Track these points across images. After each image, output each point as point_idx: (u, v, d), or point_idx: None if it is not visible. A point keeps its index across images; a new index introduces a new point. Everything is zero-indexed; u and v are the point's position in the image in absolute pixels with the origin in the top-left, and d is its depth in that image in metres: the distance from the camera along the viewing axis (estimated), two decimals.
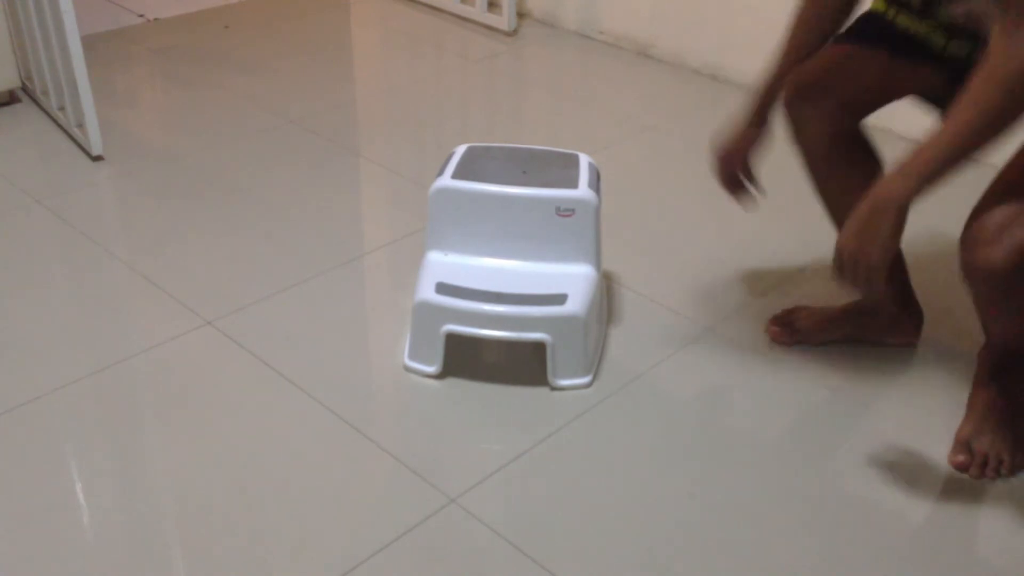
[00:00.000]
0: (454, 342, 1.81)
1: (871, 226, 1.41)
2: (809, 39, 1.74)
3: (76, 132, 2.60)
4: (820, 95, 1.69)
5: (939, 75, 1.64)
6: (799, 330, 1.92)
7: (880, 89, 1.71)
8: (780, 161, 1.93)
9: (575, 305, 1.77)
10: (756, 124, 1.80)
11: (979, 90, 1.34)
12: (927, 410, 1.78)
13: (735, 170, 1.84)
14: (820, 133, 1.71)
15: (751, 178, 1.85)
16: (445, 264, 1.86)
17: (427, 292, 1.79)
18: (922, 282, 1.92)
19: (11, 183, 2.46)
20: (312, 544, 1.51)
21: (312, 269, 2.15)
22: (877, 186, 1.42)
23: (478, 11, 3.45)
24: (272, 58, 3.23)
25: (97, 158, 2.55)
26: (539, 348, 1.79)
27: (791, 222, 2.00)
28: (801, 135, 1.73)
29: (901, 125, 2.31)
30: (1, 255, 2.18)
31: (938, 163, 1.37)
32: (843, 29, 1.73)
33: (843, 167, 1.74)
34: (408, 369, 1.85)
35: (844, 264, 1.46)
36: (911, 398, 1.82)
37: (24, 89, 2.86)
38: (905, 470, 1.65)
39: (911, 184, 1.38)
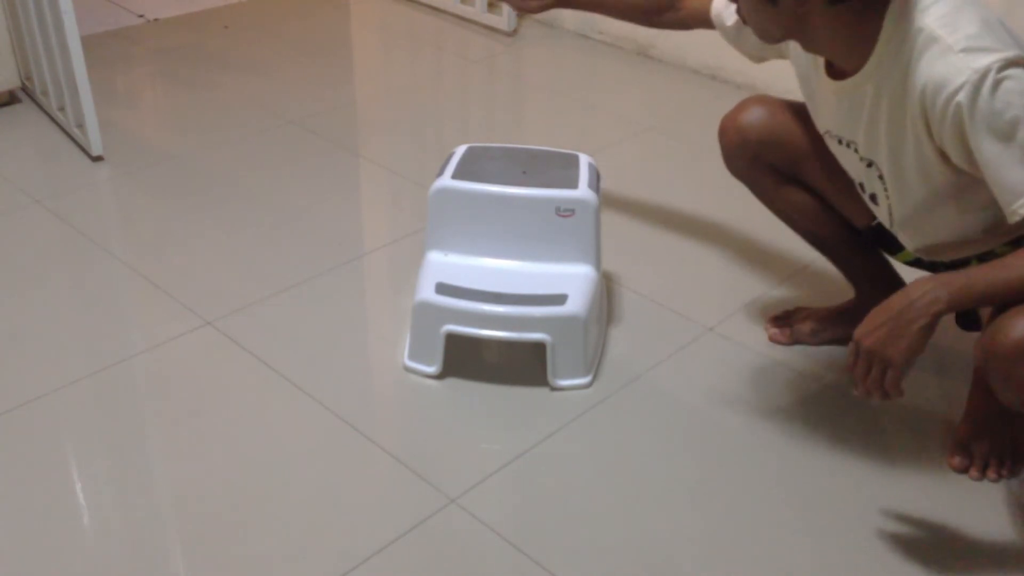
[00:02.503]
0: (454, 342, 1.81)
1: (901, 324, 1.31)
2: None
3: (76, 132, 2.60)
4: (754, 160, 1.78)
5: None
6: (798, 330, 1.92)
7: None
8: None
9: (575, 305, 1.77)
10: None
11: None
12: (925, 409, 1.78)
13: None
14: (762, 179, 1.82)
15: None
16: (445, 264, 1.86)
17: (427, 292, 1.80)
18: None
19: (11, 183, 2.46)
20: (312, 544, 1.51)
21: (312, 269, 2.15)
22: (917, 285, 1.33)
23: (478, 11, 3.45)
24: (272, 58, 3.23)
25: (97, 158, 2.55)
26: (539, 348, 1.79)
27: None
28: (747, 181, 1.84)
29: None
30: (1, 255, 2.19)
31: (991, 294, 1.31)
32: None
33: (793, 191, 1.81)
34: (408, 369, 1.85)
35: (860, 359, 1.35)
36: (909, 397, 1.81)
37: (24, 89, 2.86)
38: (904, 470, 1.65)
39: (958, 300, 1.30)
